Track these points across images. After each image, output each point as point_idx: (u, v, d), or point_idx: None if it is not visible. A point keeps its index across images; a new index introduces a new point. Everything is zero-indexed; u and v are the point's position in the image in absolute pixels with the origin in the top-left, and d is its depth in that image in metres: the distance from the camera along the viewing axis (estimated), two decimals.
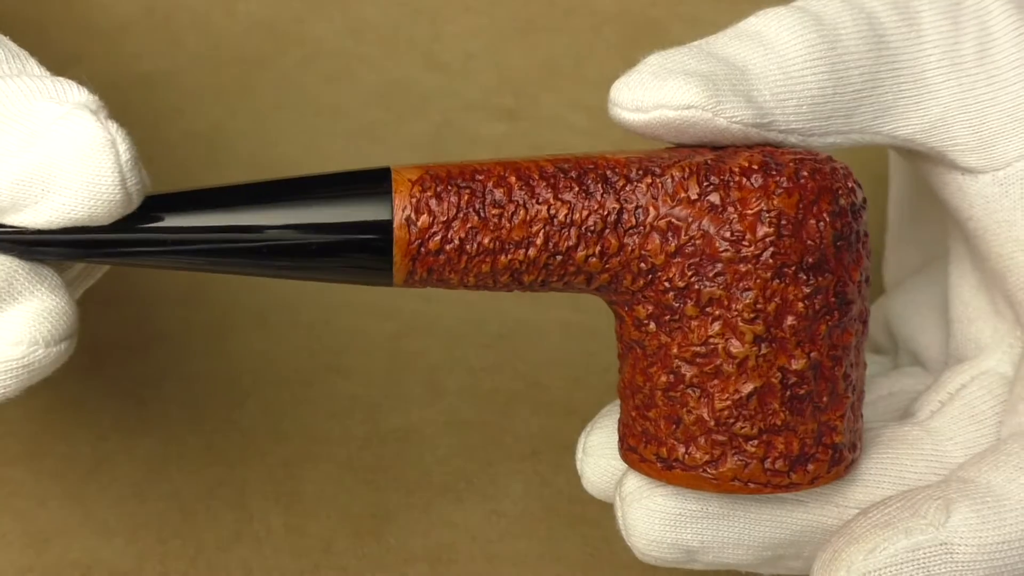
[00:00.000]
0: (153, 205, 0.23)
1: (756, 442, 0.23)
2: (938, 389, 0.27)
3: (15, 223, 0.22)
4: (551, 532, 0.38)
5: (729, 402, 0.23)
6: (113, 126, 0.22)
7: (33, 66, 0.24)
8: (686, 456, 0.24)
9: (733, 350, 0.23)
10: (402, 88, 0.43)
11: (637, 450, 0.25)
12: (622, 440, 0.25)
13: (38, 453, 0.36)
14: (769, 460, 0.24)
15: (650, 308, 0.24)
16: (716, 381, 0.23)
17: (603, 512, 0.38)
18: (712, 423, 0.23)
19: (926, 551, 0.23)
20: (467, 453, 0.38)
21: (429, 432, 0.38)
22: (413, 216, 0.23)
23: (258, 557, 0.34)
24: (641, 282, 0.23)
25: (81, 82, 0.23)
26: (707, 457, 0.24)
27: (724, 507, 0.24)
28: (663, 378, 0.24)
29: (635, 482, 0.25)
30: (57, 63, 0.44)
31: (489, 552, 0.37)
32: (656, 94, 0.23)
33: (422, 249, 0.23)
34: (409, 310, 0.39)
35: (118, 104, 0.43)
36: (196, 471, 0.36)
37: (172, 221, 0.23)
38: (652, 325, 0.24)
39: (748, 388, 0.23)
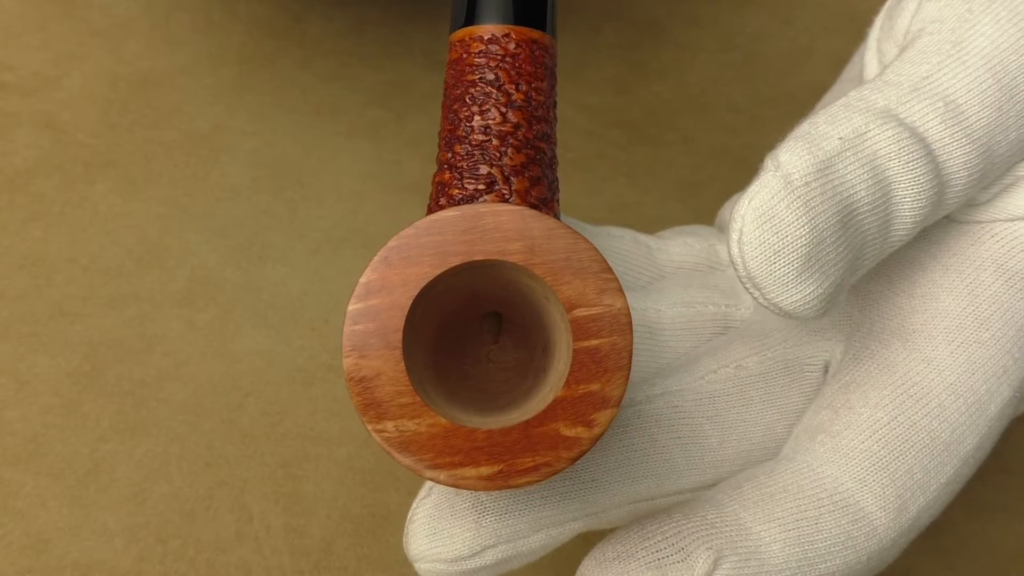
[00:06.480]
0: None
1: None
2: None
3: None
4: None
5: None
6: None
7: None
8: None
9: None
10: (402, 88, 0.43)
11: None
12: None
13: (38, 453, 0.35)
14: None
15: None
16: None
17: None
18: None
19: None
20: None
21: None
22: None
23: (258, 557, 0.34)
24: None
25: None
26: None
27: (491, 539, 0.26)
28: None
29: (412, 552, 0.26)
30: (57, 62, 0.44)
31: None
32: None
33: None
34: None
35: (118, 104, 0.43)
36: (196, 471, 0.36)
37: None
38: None
39: None
